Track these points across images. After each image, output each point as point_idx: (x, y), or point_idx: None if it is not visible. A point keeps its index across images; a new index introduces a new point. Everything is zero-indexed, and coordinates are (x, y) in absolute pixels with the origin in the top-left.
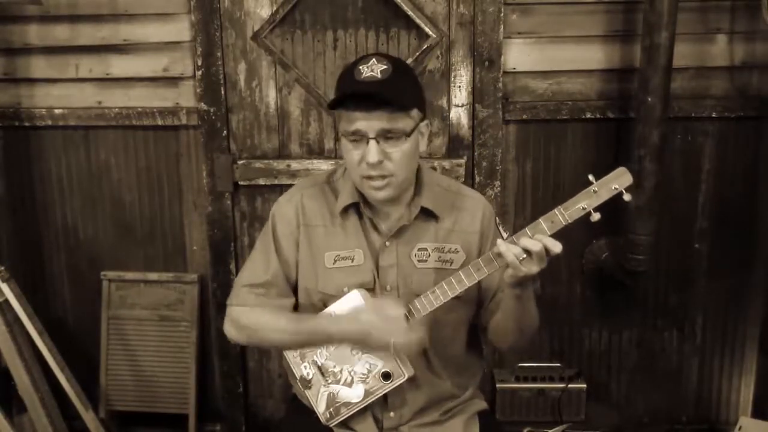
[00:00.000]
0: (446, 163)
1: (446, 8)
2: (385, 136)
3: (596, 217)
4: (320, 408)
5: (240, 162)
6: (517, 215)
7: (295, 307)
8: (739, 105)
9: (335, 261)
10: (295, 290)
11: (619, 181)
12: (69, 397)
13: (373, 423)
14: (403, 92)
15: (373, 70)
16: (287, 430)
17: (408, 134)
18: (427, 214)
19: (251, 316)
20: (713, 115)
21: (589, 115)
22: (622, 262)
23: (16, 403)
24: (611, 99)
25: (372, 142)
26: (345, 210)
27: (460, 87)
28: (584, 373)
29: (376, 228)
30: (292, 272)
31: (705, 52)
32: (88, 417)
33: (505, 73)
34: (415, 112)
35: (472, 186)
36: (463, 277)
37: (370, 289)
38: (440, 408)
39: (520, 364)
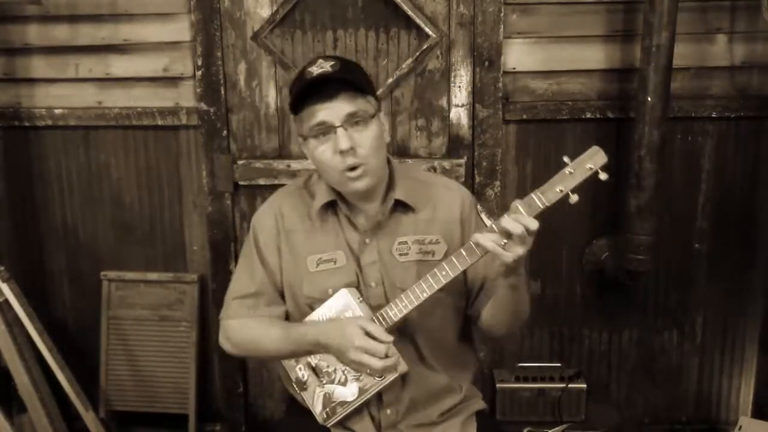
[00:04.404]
0: (446, 163)
1: (446, 8)
2: (351, 121)
3: (574, 199)
4: (317, 409)
5: (240, 162)
6: None
7: (287, 314)
8: (739, 105)
9: (318, 264)
10: (284, 297)
11: (593, 160)
12: (69, 397)
13: (370, 421)
14: (358, 78)
15: (322, 66)
16: (286, 430)
17: (372, 116)
18: (403, 206)
19: (243, 331)
20: (713, 115)
21: (589, 115)
22: (622, 262)
23: (16, 403)
24: (611, 99)
25: (340, 130)
26: (323, 211)
27: (460, 87)
28: (584, 373)
29: (353, 226)
30: (278, 279)
31: (705, 52)
32: (88, 417)
33: (505, 73)
34: (371, 99)
35: (472, 186)
36: (446, 268)
37: (356, 287)
38: (438, 407)
39: (520, 364)
